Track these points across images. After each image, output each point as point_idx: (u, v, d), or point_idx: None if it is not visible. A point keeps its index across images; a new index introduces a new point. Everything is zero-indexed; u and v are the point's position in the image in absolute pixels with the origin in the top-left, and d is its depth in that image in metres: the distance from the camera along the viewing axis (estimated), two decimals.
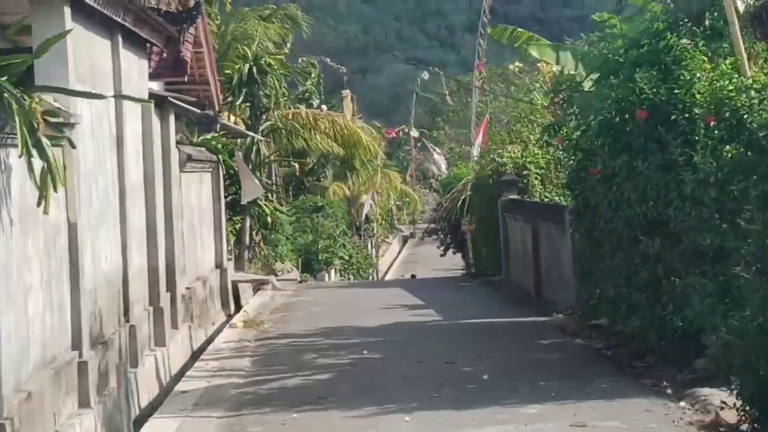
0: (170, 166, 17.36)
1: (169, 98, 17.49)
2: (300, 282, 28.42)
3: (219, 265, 22.80)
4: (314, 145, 38.04)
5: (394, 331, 17.60)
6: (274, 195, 33.64)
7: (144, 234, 15.53)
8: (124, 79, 14.22)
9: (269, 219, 28.51)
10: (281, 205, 42.92)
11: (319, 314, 20.51)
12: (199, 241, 20.94)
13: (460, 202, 32.72)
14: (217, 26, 35.11)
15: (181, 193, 19.04)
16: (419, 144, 67.53)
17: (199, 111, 22.22)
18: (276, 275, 32.27)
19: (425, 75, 58.55)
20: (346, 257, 45.89)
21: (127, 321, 14.02)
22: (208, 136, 21.83)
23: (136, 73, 15.44)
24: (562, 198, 24.71)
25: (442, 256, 37.57)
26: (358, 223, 53.81)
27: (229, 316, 22.41)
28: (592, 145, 14.93)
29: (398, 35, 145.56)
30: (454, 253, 37.04)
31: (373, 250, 56.79)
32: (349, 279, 48.60)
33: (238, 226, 28.32)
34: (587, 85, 15.18)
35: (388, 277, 57.80)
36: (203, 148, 21.87)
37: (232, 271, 26.35)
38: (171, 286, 17.10)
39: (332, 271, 45.14)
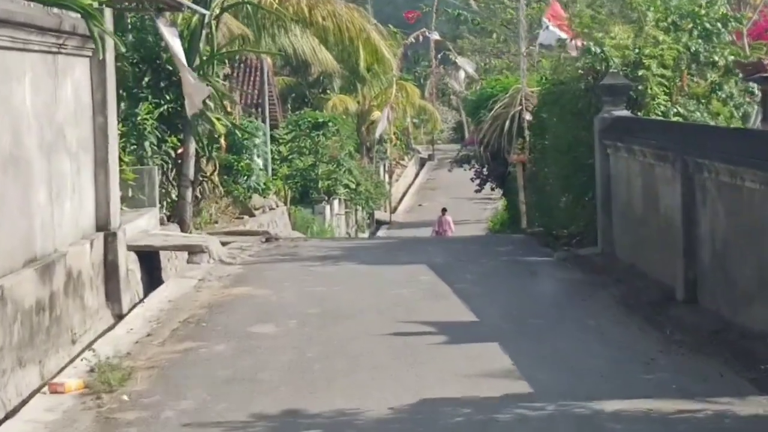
0: None
1: None
2: (267, 240, 17.20)
3: (103, 227, 11.83)
4: (305, 49, 26.78)
5: None
6: (237, 105, 22.66)
7: None
8: None
9: (223, 140, 17.39)
10: (277, 121, 32.64)
11: (263, 351, 9.28)
12: (44, 188, 10.03)
13: (507, 122, 22.04)
14: None
15: None
16: (440, 56, 56.64)
17: None
18: (253, 214, 21.96)
19: None
20: (353, 185, 35.85)
21: None
22: None
23: None
24: (706, 117, 13.82)
25: (477, 191, 26.74)
26: (368, 144, 43.26)
27: (119, 318, 11.63)
28: None
29: None
30: (493, 189, 26.30)
31: (386, 176, 46.13)
32: (355, 210, 38.41)
33: (179, 152, 17.36)
34: None
35: (402, 206, 47.71)
36: (72, 13, 10.76)
37: (155, 228, 15.47)
38: None
39: (335, 202, 35.20)
